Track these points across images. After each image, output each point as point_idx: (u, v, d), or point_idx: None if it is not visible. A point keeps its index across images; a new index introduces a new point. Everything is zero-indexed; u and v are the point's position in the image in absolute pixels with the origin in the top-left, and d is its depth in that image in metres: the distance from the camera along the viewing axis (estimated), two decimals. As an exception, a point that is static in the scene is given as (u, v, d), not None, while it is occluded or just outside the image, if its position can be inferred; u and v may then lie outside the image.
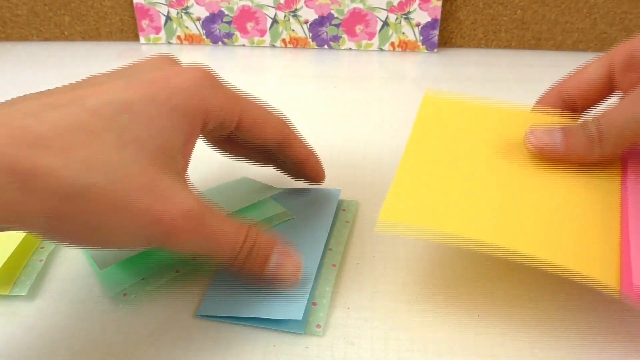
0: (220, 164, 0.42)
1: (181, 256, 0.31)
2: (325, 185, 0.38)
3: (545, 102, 0.35)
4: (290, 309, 0.27)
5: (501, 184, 0.28)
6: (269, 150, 0.32)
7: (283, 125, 0.31)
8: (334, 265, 0.31)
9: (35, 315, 0.29)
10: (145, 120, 0.24)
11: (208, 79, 0.26)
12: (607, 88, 0.34)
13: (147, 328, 0.28)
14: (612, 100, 0.34)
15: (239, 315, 0.28)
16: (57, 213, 0.21)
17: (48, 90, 0.24)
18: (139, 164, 0.23)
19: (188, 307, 0.29)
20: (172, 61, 0.28)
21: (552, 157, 0.30)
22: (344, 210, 0.36)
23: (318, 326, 0.28)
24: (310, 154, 0.34)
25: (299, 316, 0.27)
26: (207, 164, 0.42)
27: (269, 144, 0.30)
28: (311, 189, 0.37)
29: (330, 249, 0.33)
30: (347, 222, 0.35)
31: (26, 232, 0.21)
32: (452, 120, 0.33)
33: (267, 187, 0.36)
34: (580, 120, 0.30)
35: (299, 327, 0.27)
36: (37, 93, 0.24)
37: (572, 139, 0.30)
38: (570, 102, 0.35)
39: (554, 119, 0.33)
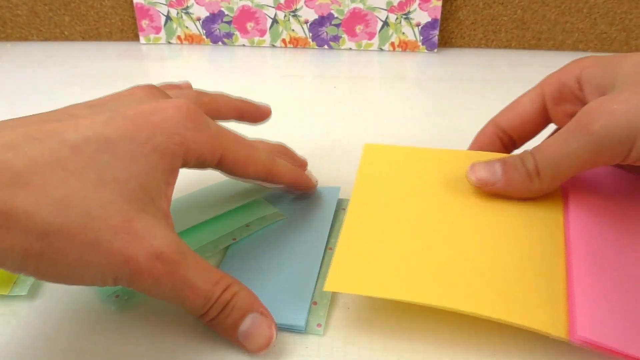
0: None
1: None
2: (325, 184, 0.38)
3: (482, 140, 0.35)
4: (293, 314, 0.28)
5: (445, 236, 0.28)
6: None
7: (268, 163, 0.30)
8: None
9: (35, 315, 0.29)
10: (125, 160, 0.23)
11: (190, 118, 0.26)
12: (541, 120, 0.33)
13: (147, 328, 0.28)
14: (549, 131, 0.34)
15: None
16: (32, 252, 0.21)
17: (26, 117, 0.24)
18: (116, 204, 0.22)
19: (188, 307, 0.29)
20: (155, 92, 0.28)
21: (493, 192, 0.30)
22: (344, 209, 0.36)
23: (319, 325, 0.28)
24: (297, 178, 0.33)
25: (301, 322, 0.27)
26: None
27: (252, 179, 0.30)
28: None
29: (330, 249, 0.33)
30: None
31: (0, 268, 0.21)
32: (393, 166, 0.33)
33: (258, 187, 0.36)
34: (518, 154, 0.30)
35: (300, 326, 0.28)
36: (15, 120, 0.23)
37: (511, 174, 0.29)
38: (506, 138, 0.34)
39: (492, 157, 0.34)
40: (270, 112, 0.36)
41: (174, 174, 0.25)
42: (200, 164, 0.27)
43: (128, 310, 0.29)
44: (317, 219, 0.34)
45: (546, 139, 0.30)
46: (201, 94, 0.32)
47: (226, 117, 0.33)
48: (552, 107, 0.32)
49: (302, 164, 0.37)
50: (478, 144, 0.35)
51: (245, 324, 0.26)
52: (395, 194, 0.31)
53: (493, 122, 0.35)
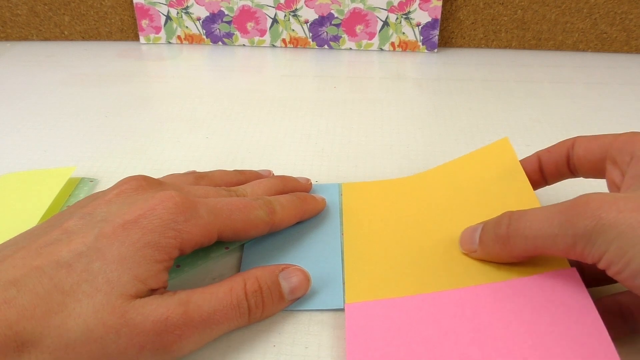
0: (210, 156, 0.42)
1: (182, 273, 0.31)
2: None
3: (524, 162, 0.34)
4: (330, 298, 0.29)
5: (424, 242, 0.32)
6: None
7: (267, 219, 0.31)
8: None
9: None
10: (117, 262, 0.25)
11: (179, 211, 0.26)
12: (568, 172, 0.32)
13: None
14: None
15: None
16: None
17: (26, 237, 0.27)
18: (109, 306, 0.24)
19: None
20: (144, 186, 0.29)
21: (478, 259, 0.29)
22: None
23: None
24: (302, 213, 0.34)
25: (340, 305, 0.29)
26: (196, 151, 0.42)
27: (253, 238, 0.31)
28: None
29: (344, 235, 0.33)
30: None
31: None
32: (372, 197, 0.36)
33: None
34: (499, 215, 0.28)
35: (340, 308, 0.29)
36: (13, 245, 0.26)
37: (484, 238, 0.29)
38: (543, 171, 0.33)
39: (459, 178, 0.36)
40: (311, 185, 0.37)
41: (170, 260, 0.26)
42: (199, 247, 0.28)
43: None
44: (325, 211, 0.35)
45: (535, 210, 0.27)
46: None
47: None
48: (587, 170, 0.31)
49: (305, 187, 0.36)
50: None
51: (285, 288, 0.28)
52: (378, 218, 0.34)
53: (537, 154, 0.33)
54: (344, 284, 0.30)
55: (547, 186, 0.33)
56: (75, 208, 0.29)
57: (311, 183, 0.37)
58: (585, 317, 0.25)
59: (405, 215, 0.34)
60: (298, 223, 0.34)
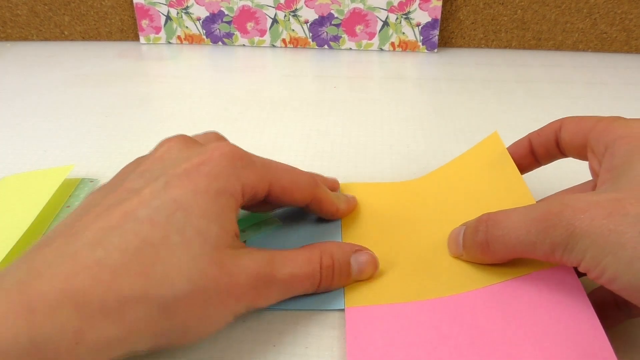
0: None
1: None
2: (325, 185, 0.38)
3: (514, 150, 0.34)
4: (330, 297, 0.29)
5: (420, 246, 0.32)
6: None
7: (312, 187, 0.31)
8: None
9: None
10: (199, 212, 0.24)
11: (237, 158, 0.27)
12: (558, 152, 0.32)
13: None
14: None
15: (279, 308, 0.29)
16: (158, 329, 0.23)
17: (86, 206, 0.26)
18: (206, 256, 0.24)
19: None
20: (189, 143, 0.28)
21: (466, 261, 0.30)
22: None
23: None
24: (339, 210, 0.34)
25: (341, 305, 0.29)
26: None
27: (297, 204, 0.31)
28: None
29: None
30: None
31: (133, 351, 0.23)
32: (370, 199, 0.36)
33: None
34: (476, 219, 0.28)
35: (340, 309, 0.29)
36: (77, 216, 0.25)
37: (466, 244, 0.29)
38: (535, 153, 0.33)
39: (446, 183, 0.36)
40: (339, 185, 0.37)
41: (238, 207, 0.27)
42: (253, 198, 0.28)
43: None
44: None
45: (511, 215, 0.26)
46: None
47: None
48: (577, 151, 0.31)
49: (334, 186, 0.37)
50: (510, 152, 0.35)
51: (354, 269, 0.29)
52: (376, 221, 0.34)
53: (529, 136, 0.34)
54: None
55: (541, 166, 0.34)
56: (126, 171, 0.28)
57: (339, 183, 0.37)
58: (580, 313, 0.25)
59: (403, 219, 0.34)
60: (299, 222, 0.34)
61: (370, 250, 0.30)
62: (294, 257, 0.27)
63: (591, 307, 0.25)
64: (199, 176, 0.25)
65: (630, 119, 0.28)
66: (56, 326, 0.20)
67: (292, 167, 0.31)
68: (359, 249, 0.30)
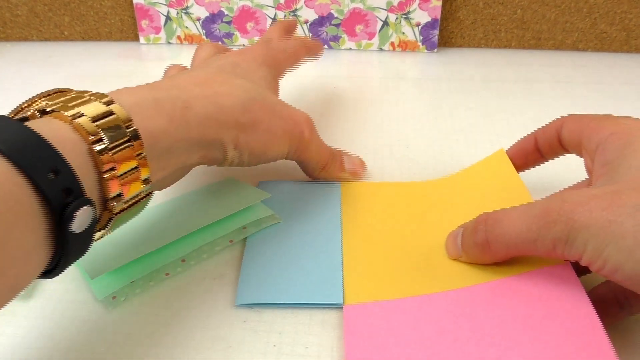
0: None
1: (172, 257, 0.31)
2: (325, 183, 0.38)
3: (519, 146, 0.35)
4: (329, 292, 0.29)
5: (422, 245, 0.32)
6: None
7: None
8: None
9: (35, 315, 0.29)
10: (251, 71, 0.35)
11: (269, 47, 0.40)
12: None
13: (146, 329, 0.28)
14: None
15: (279, 302, 0.29)
16: (241, 124, 0.30)
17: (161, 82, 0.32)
18: (266, 91, 0.34)
19: (187, 307, 0.29)
20: (220, 47, 0.40)
21: (465, 262, 0.30)
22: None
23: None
24: (298, 50, 0.43)
25: (339, 299, 0.29)
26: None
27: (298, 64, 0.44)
28: (310, 183, 0.38)
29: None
30: None
31: (216, 155, 0.31)
32: (371, 198, 0.37)
33: (255, 191, 0.36)
34: (474, 220, 0.29)
35: (339, 303, 0.29)
36: (176, 79, 0.32)
37: (465, 246, 0.29)
38: (540, 150, 0.34)
39: (457, 186, 0.36)
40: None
41: (277, 81, 0.38)
42: (282, 76, 0.40)
43: (131, 309, 0.29)
44: (326, 209, 0.35)
45: (510, 213, 0.27)
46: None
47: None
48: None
49: (290, 27, 0.47)
50: (515, 149, 0.35)
51: (347, 165, 0.38)
52: (377, 219, 0.35)
53: (534, 133, 0.34)
54: (343, 280, 0.30)
55: (547, 161, 0.35)
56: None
57: (295, 22, 0.50)
58: (580, 311, 0.25)
59: (404, 218, 0.35)
60: (299, 219, 0.34)
61: (355, 156, 0.40)
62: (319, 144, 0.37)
63: (591, 304, 0.25)
64: (245, 55, 0.36)
65: (619, 116, 0.29)
66: (171, 96, 0.28)
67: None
68: (347, 152, 0.39)
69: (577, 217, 0.23)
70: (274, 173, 0.40)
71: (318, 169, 0.36)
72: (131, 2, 0.63)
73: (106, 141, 0.23)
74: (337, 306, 0.29)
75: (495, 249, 0.27)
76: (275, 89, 0.36)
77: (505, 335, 0.25)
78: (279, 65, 0.38)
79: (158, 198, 0.35)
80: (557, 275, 0.27)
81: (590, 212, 0.23)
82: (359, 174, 0.38)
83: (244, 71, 0.34)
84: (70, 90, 0.26)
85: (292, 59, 0.41)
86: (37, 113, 0.24)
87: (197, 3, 0.62)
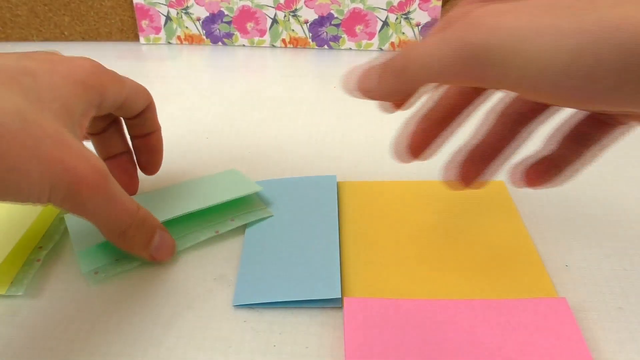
0: (209, 155, 0.42)
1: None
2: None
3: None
4: (327, 287, 0.29)
5: (420, 245, 0.33)
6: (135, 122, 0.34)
7: (148, 93, 0.34)
8: None
9: (35, 315, 0.29)
10: (47, 86, 0.25)
11: (101, 66, 0.30)
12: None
13: (147, 328, 0.28)
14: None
15: (276, 300, 0.29)
16: None
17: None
18: (46, 120, 0.24)
19: (187, 307, 0.29)
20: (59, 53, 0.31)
21: (375, 98, 0.27)
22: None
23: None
24: (160, 132, 0.36)
25: (337, 294, 0.28)
26: (196, 151, 0.42)
27: (139, 108, 0.33)
28: (306, 177, 0.38)
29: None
30: None
31: None
32: (369, 197, 0.37)
33: (248, 183, 0.36)
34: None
35: (337, 299, 0.29)
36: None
37: (382, 70, 0.27)
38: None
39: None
40: None
41: (92, 107, 0.28)
42: (112, 104, 0.30)
43: (126, 311, 0.29)
44: (323, 203, 0.35)
45: (430, 36, 0.26)
46: None
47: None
48: None
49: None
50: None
51: (156, 240, 0.30)
52: (374, 218, 0.35)
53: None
54: (341, 275, 0.30)
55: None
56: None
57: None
58: (574, 347, 0.25)
59: (400, 217, 0.35)
60: (295, 215, 0.34)
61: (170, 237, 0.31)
62: (122, 190, 0.28)
63: (584, 342, 0.25)
64: (63, 65, 0.27)
65: None
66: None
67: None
68: (163, 228, 0.31)
69: (490, 26, 0.22)
70: (274, 173, 0.40)
71: (111, 234, 0.29)
72: (131, 2, 0.63)
73: None
74: (336, 305, 0.29)
75: (411, 74, 0.25)
76: (76, 119, 0.27)
77: (501, 354, 0.25)
78: (102, 88, 0.29)
79: (153, 185, 0.35)
80: (553, 308, 0.27)
81: (498, 22, 0.22)
82: (160, 260, 0.31)
83: (33, 85, 0.25)
84: None
85: (119, 83, 0.31)
86: None
87: (197, 3, 0.62)
